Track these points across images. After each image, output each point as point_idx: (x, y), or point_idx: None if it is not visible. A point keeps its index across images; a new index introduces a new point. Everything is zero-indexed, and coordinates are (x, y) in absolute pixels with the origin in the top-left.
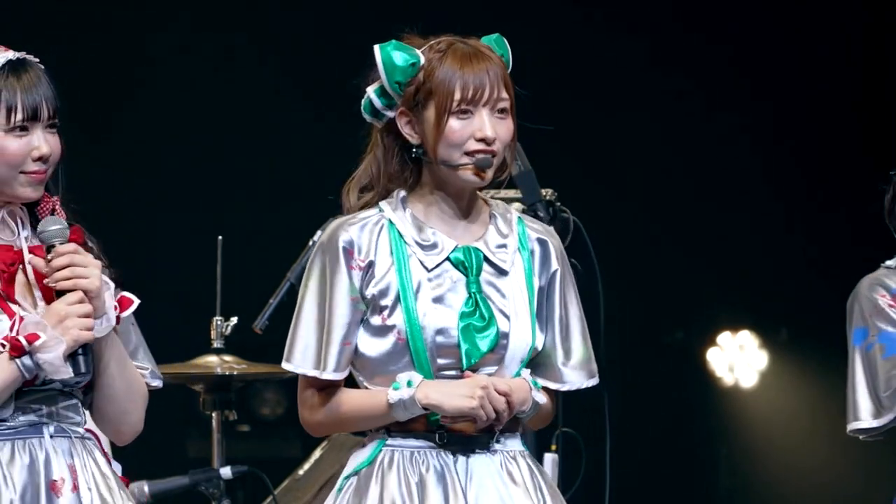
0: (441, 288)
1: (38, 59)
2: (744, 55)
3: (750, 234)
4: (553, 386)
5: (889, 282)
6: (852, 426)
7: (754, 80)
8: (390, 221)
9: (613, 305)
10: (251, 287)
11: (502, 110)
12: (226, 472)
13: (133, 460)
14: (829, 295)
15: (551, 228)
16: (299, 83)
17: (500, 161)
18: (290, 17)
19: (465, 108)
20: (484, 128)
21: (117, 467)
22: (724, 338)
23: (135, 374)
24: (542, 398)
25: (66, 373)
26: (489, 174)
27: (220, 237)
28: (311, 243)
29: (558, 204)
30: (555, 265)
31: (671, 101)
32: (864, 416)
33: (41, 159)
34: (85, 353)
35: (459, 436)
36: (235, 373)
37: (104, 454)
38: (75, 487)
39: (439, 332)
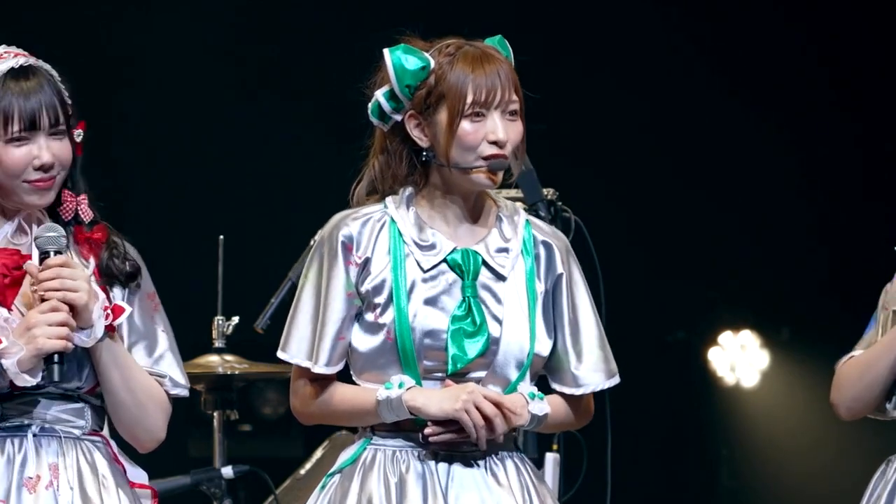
0: (435, 290)
1: (46, 64)
2: (744, 55)
3: (751, 234)
4: (568, 391)
5: None
6: None
7: (756, 80)
8: (392, 219)
9: (615, 305)
10: (252, 286)
11: (513, 112)
12: (227, 471)
13: (134, 460)
14: (830, 295)
15: (559, 231)
16: (300, 84)
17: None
18: (291, 19)
19: (477, 111)
20: (497, 130)
21: (140, 474)
22: (726, 337)
23: (144, 382)
24: (541, 409)
25: (25, 380)
26: (500, 176)
27: (221, 236)
28: (312, 243)
29: (559, 203)
30: (559, 269)
31: (672, 101)
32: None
33: (42, 168)
34: (60, 362)
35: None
36: (237, 372)
37: (114, 457)
38: (50, 485)
39: (428, 334)
